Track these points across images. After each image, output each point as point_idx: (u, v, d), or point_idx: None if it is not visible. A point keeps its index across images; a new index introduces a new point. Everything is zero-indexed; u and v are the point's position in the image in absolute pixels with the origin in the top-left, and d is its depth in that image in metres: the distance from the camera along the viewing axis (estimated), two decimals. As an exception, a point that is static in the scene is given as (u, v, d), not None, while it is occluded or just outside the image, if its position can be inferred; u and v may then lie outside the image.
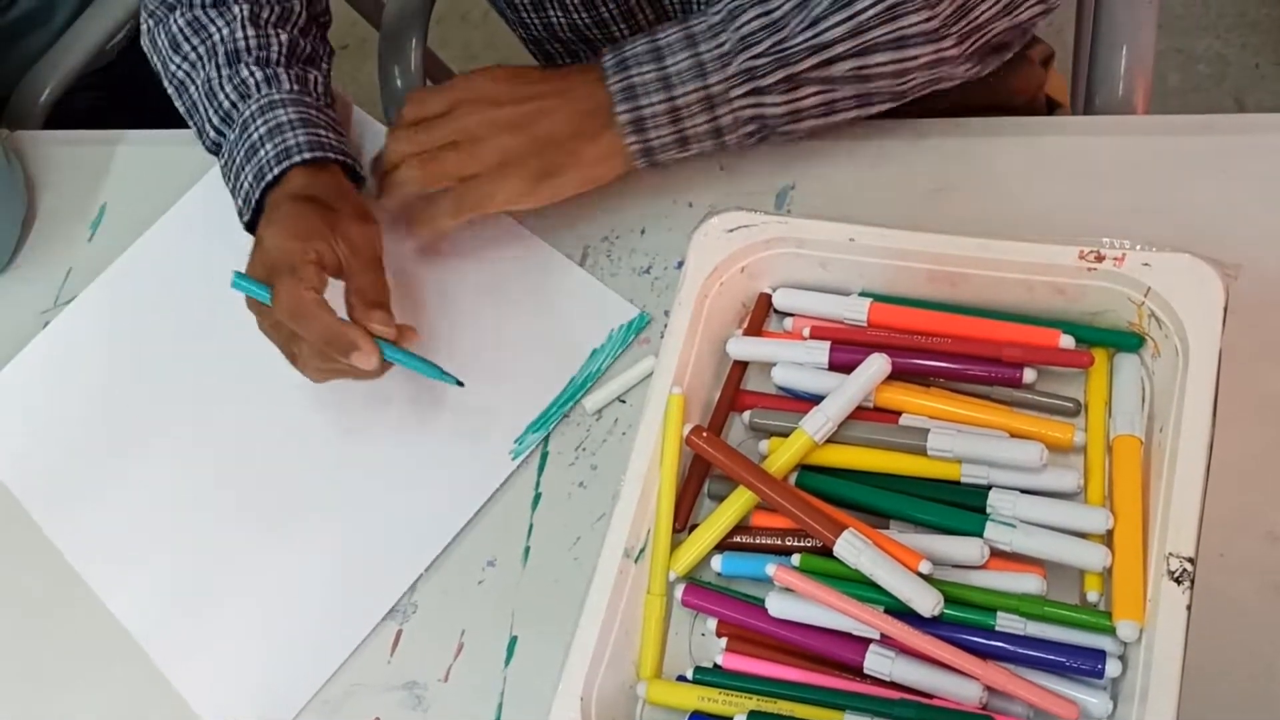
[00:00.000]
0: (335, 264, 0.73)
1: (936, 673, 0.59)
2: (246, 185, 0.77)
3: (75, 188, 0.98)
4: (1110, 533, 0.60)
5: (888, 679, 0.60)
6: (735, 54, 0.70)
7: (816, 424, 0.64)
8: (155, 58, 0.85)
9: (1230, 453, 0.60)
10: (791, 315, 0.72)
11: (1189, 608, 0.55)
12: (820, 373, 0.68)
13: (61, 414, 0.87)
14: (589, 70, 0.74)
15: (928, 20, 0.68)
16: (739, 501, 0.65)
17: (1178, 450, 0.59)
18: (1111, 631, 0.58)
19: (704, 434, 0.66)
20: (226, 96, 0.79)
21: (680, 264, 0.73)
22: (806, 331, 0.70)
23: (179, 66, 0.83)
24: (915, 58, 0.69)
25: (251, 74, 0.79)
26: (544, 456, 0.75)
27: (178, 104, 0.84)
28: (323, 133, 0.77)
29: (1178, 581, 0.56)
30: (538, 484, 0.74)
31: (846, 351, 0.67)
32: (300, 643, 0.73)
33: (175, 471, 0.81)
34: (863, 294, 0.70)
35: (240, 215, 0.78)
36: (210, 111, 0.80)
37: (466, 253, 0.83)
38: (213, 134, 0.81)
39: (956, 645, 0.59)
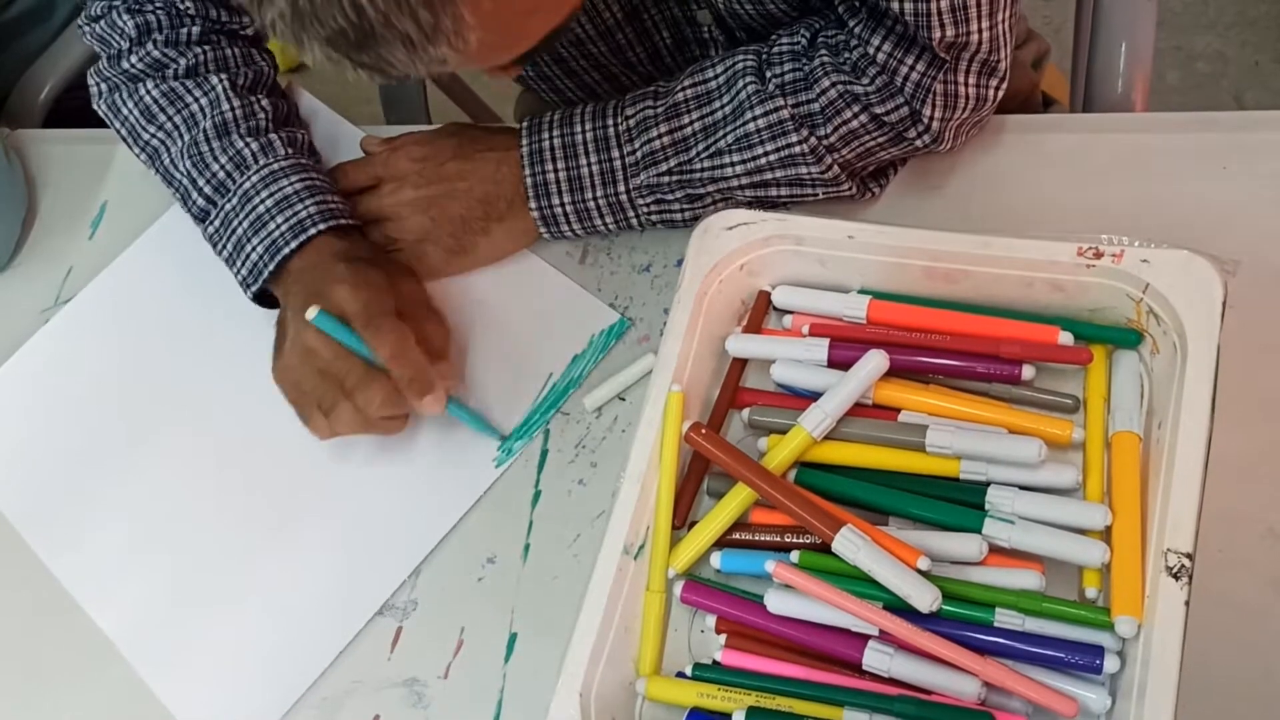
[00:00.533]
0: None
1: (935, 669, 0.59)
2: (255, 256, 0.78)
3: (76, 186, 0.98)
4: (1109, 529, 0.60)
5: (886, 675, 0.60)
6: (643, 168, 0.75)
7: (815, 420, 0.64)
8: (119, 124, 0.86)
9: (1229, 449, 0.60)
10: (791, 313, 0.72)
11: (1187, 604, 0.56)
12: (819, 370, 0.68)
13: (52, 416, 0.86)
14: (501, 149, 0.79)
15: (824, 171, 0.73)
16: (738, 498, 0.65)
17: (1176, 446, 0.59)
18: (1110, 627, 0.58)
19: (703, 431, 0.66)
20: (221, 167, 0.80)
21: (680, 262, 0.73)
22: (806, 329, 0.70)
23: (153, 135, 0.84)
24: (812, 192, 0.75)
25: (246, 144, 0.80)
26: (544, 454, 0.75)
27: (149, 166, 0.85)
28: (329, 198, 0.78)
29: (1176, 578, 0.56)
30: (537, 481, 0.74)
31: (846, 349, 0.67)
32: (282, 650, 0.73)
33: (164, 476, 0.81)
34: (862, 291, 0.70)
35: (245, 284, 0.79)
36: (201, 180, 0.81)
37: None
38: (202, 202, 0.81)
39: (955, 641, 0.59)
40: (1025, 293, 0.67)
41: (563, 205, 0.78)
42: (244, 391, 0.82)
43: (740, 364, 0.72)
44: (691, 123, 0.74)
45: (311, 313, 0.71)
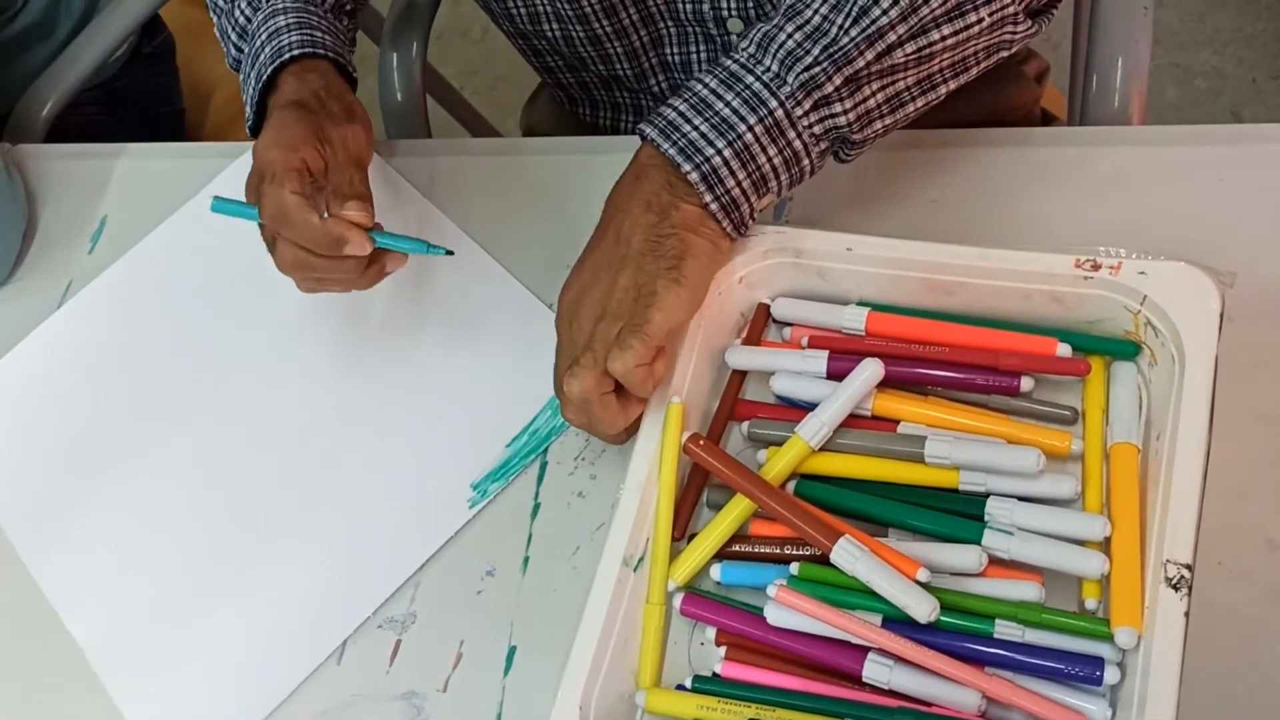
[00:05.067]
0: (323, 170, 0.74)
1: (935, 681, 0.59)
2: (250, 90, 0.79)
3: (76, 201, 0.98)
4: (1108, 540, 0.60)
5: (886, 687, 0.60)
6: (786, 72, 0.66)
7: (812, 429, 0.65)
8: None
9: (1228, 460, 0.60)
10: (790, 325, 0.72)
11: (1187, 615, 0.55)
12: (818, 382, 0.68)
13: (41, 420, 0.87)
14: (643, 173, 0.68)
15: None
16: (737, 510, 0.65)
17: (1175, 457, 0.59)
18: (1110, 639, 0.58)
19: (701, 442, 0.66)
20: (242, 12, 0.82)
21: (679, 274, 0.73)
22: (805, 341, 0.70)
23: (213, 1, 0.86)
24: (977, 23, 0.67)
25: None
26: (543, 466, 0.75)
27: (219, 38, 0.87)
28: (317, 33, 0.79)
29: (1175, 588, 0.56)
30: (537, 494, 0.74)
31: (845, 361, 0.67)
32: (252, 668, 0.73)
33: (151, 485, 0.81)
34: (861, 303, 0.70)
35: (247, 124, 0.80)
36: (231, 31, 0.83)
37: (440, 288, 0.83)
38: (234, 52, 0.83)
39: (955, 654, 0.59)
40: (1023, 305, 0.67)
41: (719, 153, 0.66)
42: (235, 401, 0.83)
43: (740, 376, 0.72)
44: (817, 10, 0.67)
45: (209, 204, 0.74)
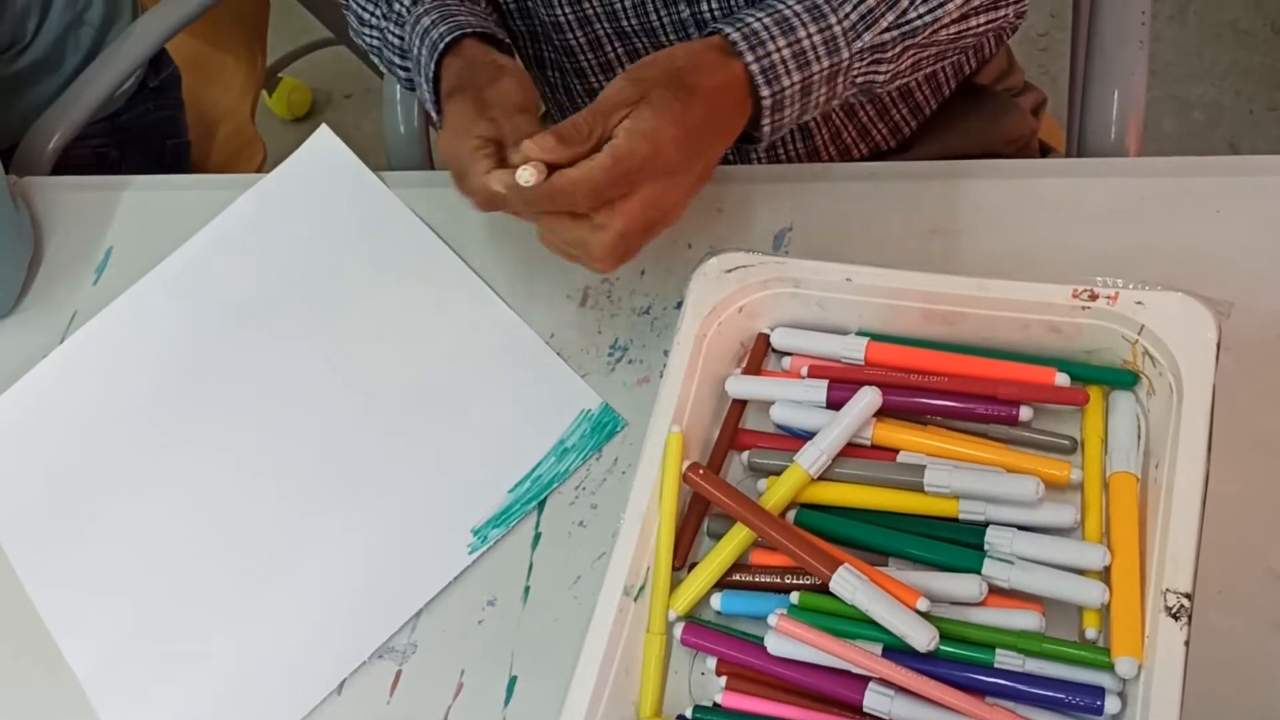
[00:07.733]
0: (498, 134, 0.72)
1: (936, 710, 0.59)
2: (428, 99, 0.79)
3: (81, 232, 0.99)
4: (1108, 569, 0.60)
5: (887, 717, 0.60)
6: (864, 30, 0.71)
7: (811, 458, 0.65)
8: (357, 40, 0.89)
9: (1227, 489, 0.60)
10: (790, 354, 0.73)
11: (1187, 644, 0.55)
12: (818, 411, 0.68)
13: (43, 451, 0.87)
14: (720, 64, 0.69)
15: None
16: (737, 539, 0.65)
17: (1173, 487, 0.59)
18: (1110, 668, 0.58)
19: (701, 471, 0.66)
20: (395, 35, 0.83)
21: (679, 304, 0.74)
22: (805, 370, 0.71)
23: (371, 35, 0.87)
24: (1004, 14, 0.75)
25: (401, 3, 0.82)
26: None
27: (386, 70, 0.87)
28: (460, 17, 0.78)
29: (1175, 618, 0.56)
30: (538, 523, 0.74)
31: (844, 390, 0.67)
32: (239, 713, 0.73)
33: (148, 524, 0.81)
34: (860, 333, 0.71)
35: (438, 128, 0.79)
36: (395, 57, 0.84)
37: (446, 327, 0.84)
38: (403, 74, 0.84)
39: (956, 683, 0.59)
40: (1022, 334, 0.67)
41: (793, 85, 0.70)
42: (238, 437, 0.83)
43: (740, 405, 0.72)
44: None
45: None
